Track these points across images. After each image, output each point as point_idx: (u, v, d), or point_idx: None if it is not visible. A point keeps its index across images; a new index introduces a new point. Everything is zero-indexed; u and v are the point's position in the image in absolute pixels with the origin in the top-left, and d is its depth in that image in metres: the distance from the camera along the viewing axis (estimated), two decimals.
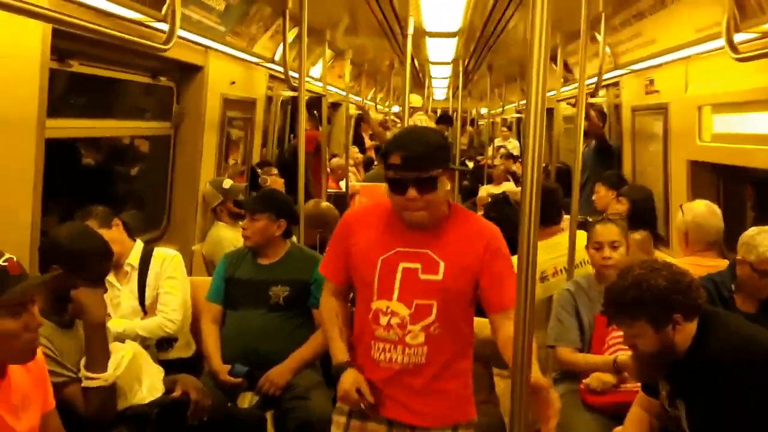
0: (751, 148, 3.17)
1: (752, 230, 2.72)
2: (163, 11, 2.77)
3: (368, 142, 10.15)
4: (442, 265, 2.02)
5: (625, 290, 2.06)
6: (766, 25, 2.59)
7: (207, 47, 3.96)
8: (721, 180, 3.73)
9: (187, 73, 4.02)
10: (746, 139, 3.25)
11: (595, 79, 4.16)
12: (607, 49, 4.46)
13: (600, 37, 3.88)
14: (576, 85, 3.39)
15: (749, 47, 2.50)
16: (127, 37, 2.53)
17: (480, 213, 6.92)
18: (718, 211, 3.23)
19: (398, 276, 2.03)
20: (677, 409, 2.11)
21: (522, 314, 1.70)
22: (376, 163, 9.01)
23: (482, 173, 9.04)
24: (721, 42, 2.51)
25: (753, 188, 3.71)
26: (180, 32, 3.21)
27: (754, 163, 3.20)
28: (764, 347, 2.01)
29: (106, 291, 2.23)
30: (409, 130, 2.13)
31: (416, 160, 1.96)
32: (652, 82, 4.30)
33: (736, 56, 2.43)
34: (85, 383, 2.12)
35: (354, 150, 8.82)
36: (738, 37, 2.62)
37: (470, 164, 11.32)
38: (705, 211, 3.22)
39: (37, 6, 2.00)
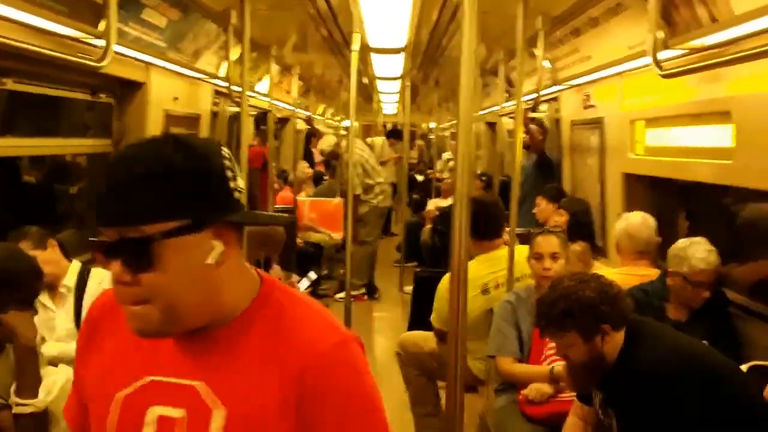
0: (681, 161, 3.30)
1: (683, 242, 2.83)
2: (101, 27, 2.74)
3: (318, 157, 10.15)
4: (220, 413, 1.07)
5: (555, 302, 2.12)
6: (693, 42, 2.71)
7: (148, 63, 3.92)
8: (655, 192, 3.86)
9: (128, 89, 3.96)
10: (676, 152, 3.38)
11: (534, 95, 4.26)
12: (547, 65, 4.59)
13: (539, 53, 3.98)
14: (517, 100, 3.47)
15: (675, 64, 2.60)
16: (62, 55, 2.49)
17: (428, 226, 7.04)
18: (651, 222, 3.33)
19: None
20: (610, 417, 2.17)
21: (455, 327, 1.74)
22: (326, 177, 9.03)
23: (431, 187, 9.14)
24: (648, 59, 2.61)
25: (685, 199, 3.85)
26: (119, 48, 3.19)
27: (684, 175, 3.33)
28: (690, 357, 2.09)
29: (36, 313, 2.17)
30: (120, 151, 1.10)
31: (111, 202, 1.05)
32: (588, 97, 4.44)
33: (662, 73, 2.54)
34: (15, 409, 2.06)
35: (303, 165, 8.81)
36: (667, 54, 2.73)
37: (420, 178, 11.45)
38: (638, 221, 3.33)
39: None
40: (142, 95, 4.00)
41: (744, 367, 2.43)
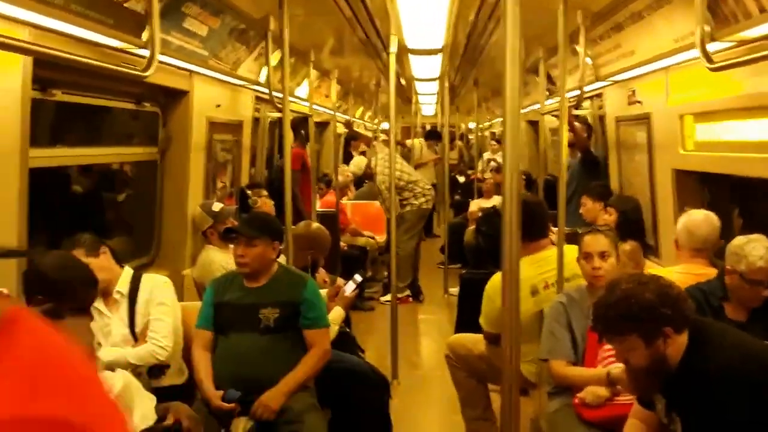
0: (733, 155, 3.20)
1: (740, 239, 2.73)
2: (144, 38, 2.78)
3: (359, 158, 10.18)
4: None
5: (613, 305, 2.06)
6: (742, 33, 2.62)
7: (191, 71, 3.98)
8: (707, 188, 3.75)
9: (172, 97, 4.03)
10: (729, 146, 3.28)
11: (577, 92, 4.19)
12: (589, 61, 4.50)
13: (580, 50, 3.91)
14: (560, 98, 3.42)
15: (723, 56, 2.52)
16: (107, 65, 2.54)
17: (472, 227, 6.98)
18: (714, 220, 3.20)
19: None
20: (674, 422, 2.10)
21: (509, 329, 1.70)
22: (366, 181, 9.05)
23: (472, 187, 9.07)
24: (696, 52, 2.53)
25: (739, 196, 3.73)
26: (162, 58, 3.24)
27: (737, 170, 3.23)
28: (757, 358, 2.01)
29: (92, 320, 2.21)
30: None
31: None
32: (634, 92, 4.34)
33: (711, 66, 2.46)
34: None
35: (344, 168, 8.85)
36: (715, 46, 2.65)
37: (461, 179, 11.37)
38: (699, 218, 3.22)
39: (15, 39, 2.01)
40: (185, 103, 4.07)
41: None
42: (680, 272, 3.15)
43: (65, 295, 2.11)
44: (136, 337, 2.92)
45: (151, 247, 4.07)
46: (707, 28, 2.53)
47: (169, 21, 3.22)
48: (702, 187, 3.75)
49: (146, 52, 2.65)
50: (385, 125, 11.38)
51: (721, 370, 1.97)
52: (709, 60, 2.48)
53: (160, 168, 4.08)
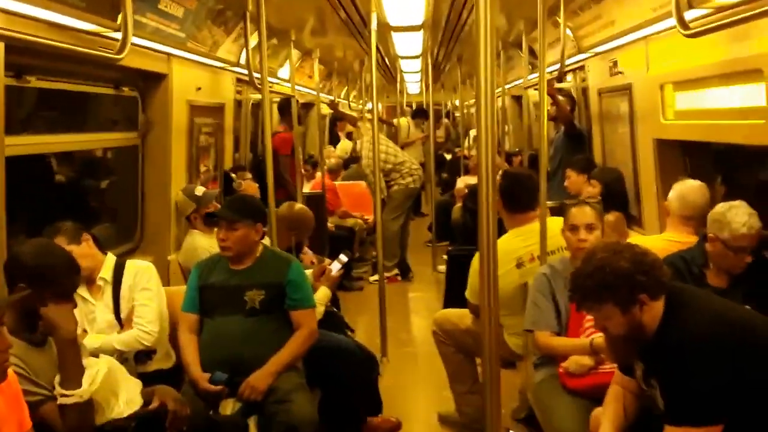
0: (713, 123, 3.21)
1: (722, 206, 2.73)
2: (118, 21, 2.75)
3: (344, 141, 10.14)
4: None
5: (590, 275, 2.08)
6: (718, 0, 2.61)
7: (169, 54, 3.93)
8: (689, 157, 3.76)
9: (151, 81, 3.99)
10: (708, 114, 3.28)
11: (559, 65, 4.18)
12: (570, 33, 4.49)
13: (561, 22, 3.89)
14: (542, 71, 3.41)
15: (699, 24, 2.51)
16: (80, 49, 2.51)
17: (459, 204, 6.99)
18: (706, 191, 3.21)
19: None
20: (653, 387, 2.13)
21: (487, 303, 1.71)
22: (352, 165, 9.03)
23: (459, 165, 9.07)
24: (672, 21, 2.53)
25: (721, 163, 3.75)
26: (138, 40, 3.21)
27: (717, 137, 3.24)
28: (734, 322, 2.03)
29: (75, 306, 2.20)
30: None
31: None
32: (615, 63, 4.33)
33: (686, 32, 2.45)
34: (60, 400, 2.10)
35: (330, 149, 8.81)
36: (692, 14, 2.64)
37: (448, 156, 11.37)
38: (694, 186, 3.21)
39: None
40: (165, 87, 4.03)
41: None
42: (666, 239, 3.16)
43: (46, 281, 2.11)
44: (122, 323, 2.91)
45: (134, 232, 4.05)
46: None
47: (143, 3, 3.18)
48: (684, 156, 3.75)
49: (120, 35, 2.62)
50: (370, 105, 11.32)
51: (696, 336, 1.98)
52: (685, 26, 2.47)
53: (141, 153, 4.05)
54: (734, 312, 2.12)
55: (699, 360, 1.94)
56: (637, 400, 2.30)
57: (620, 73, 4.28)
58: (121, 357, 2.79)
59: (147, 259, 3.39)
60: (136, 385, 2.44)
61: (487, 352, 1.75)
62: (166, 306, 3.08)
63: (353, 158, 8.53)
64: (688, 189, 3.22)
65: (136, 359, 2.92)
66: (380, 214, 5.15)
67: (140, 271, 2.99)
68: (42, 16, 2.52)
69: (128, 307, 2.92)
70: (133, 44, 2.66)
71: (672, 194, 3.26)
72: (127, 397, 2.32)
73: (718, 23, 2.37)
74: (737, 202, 2.72)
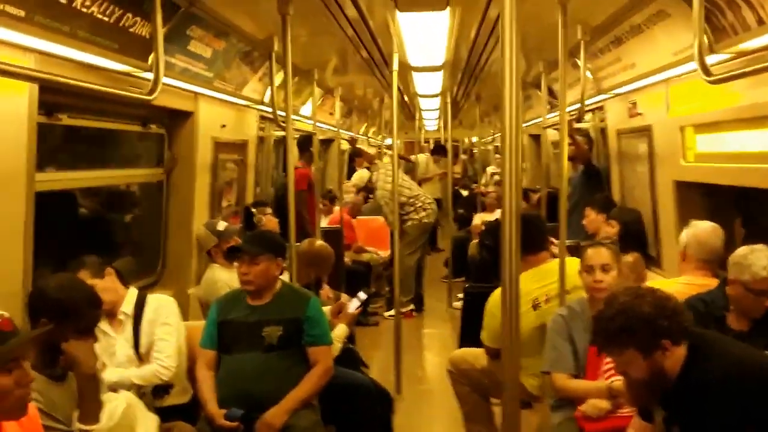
0: (734, 166, 3.21)
1: (743, 249, 2.72)
2: (149, 61, 2.83)
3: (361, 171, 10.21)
4: None
5: (611, 319, 2.07)
6: (741, 46, 2.63)
7: (195, 93, 4.03)
8: (710, 199, 3.75)
9: (177, 119, 4.08)
10: (729, 157, 3.28)
11: (578, 105, 4.21)
12: (589, 75, 4.53)
13: (581, 63, 3.94)
14: (561, 111, 3.44)
15: (721, 69, 2.54)
16: (112, 90, 2.58)
17: (475, 241, 6.99)
18: (720, 232, 3.23)
19: None
20: None
21: (509, 343, 1.71)
22: (371, 196, 9.08)
23: (476, 201, 9.08)
24: (695, 65, 2.55)
25: (741, 206, 3.73)
26: (167, 80, 3.29)
27: (737, 181, 3.24)
28: (756, 369, 2.01)
29: (96, 341, 2.23)
30: None
31: None
32: (635, 105, 4.36)
33: (709, 79, 2.47)
34: None
35: (349, 185, 8.88)
36: (714, 59, 2.67)
37: (465, 192, 11.39)
38: (708, 229, 3.23)
39: (20, 67, 2.05)
40: (191, 124, 4.12)
41: None
42: (684, 283, 3.15)
43: (69, 316, 2.14)
44: (141, 357, 2.93)
45: (156, 266, 4.09)
46: (705, 41, 2.55)
47: (173, 44, 3.27)
48: (704, 198, 3.75)
49: (151, 75, 2.70)
50: (389, 141, 11.43)
51: (719, 382, 1.97)
52: (707, 73, 2.49)
53: (165, 188, 4.12)
54: (757, 358, 2.10)
55: (722, 405, 1.93)
56: None
57: (639, 114, 4.31)
58: (139, 391, 2.80)
59: (167, 293, 3.42)
60: (153, 420, 2.44)
61: (508, 393, 1.74)
62: (185, 341, 3.10)
63: (367, 188, 8.58)
64: (704, 232, 3.22)
65: (154, 394, 2.93)
66: (398, 248, 5.17)
67: (161, 305, 3.02)
68: (74, 56, 2.61)
69: (148, 341, 2.94)
70: (164, 84, 2.74)
71: (686, 238, 3.26)
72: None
73: (741, 71, 2.39)
74: (759, 246, 2.71)
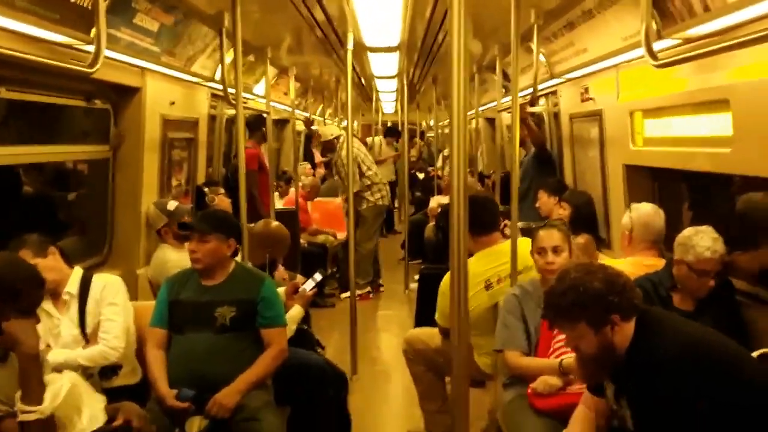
0: (680, 150, 3.29)
1: (689, 230, 2.81)
2: (92, 34, 2.73)
3: (318, 157, 10.13)
4: None
5: (563, 293, 2.10)
6: (688, 32, 2.68)
7: (143, 68, 3.91)
8: (658, 182, 3.84)
9: (124, 94, 3.96)
10: (676, 142, 3.36)
11: (531, 90, 4.25)
12: (543, 59, 4.57)
13: (534, 48, 3.96)
14: (515, 95, 3.46)
15: (668, 54, 2.58)
16: (52, 61, 2.49)
17: (431, 223, 7.03)
18: (662, 213, 3.34)
19: None
20: (623, 408, 2.15)
21: (457, 323, 1.72)
22: (327, 178, 9.03)
23: (432, 184, 9.12)
24: (642, 50, 2.59)
25: (689, 189, 3.83)
26: (111, 54, 3.19)
27: (684, 165, 3.32)
28: (702, 344, 2.06)
29: (38, 321, 2.16)
30: None
31: None
32: (586, 89, 4.42)
33: (655, 63, 2.52)
34: (21, 417, 2.06)
35: (305, 166, 8.81)
36: (662, 44, 2.71)
37: (421, 175, 11.43)
38: (651, 211, 3.33)
39: None
40: (138, 100, 4.00)
41: (754, 355, 2.41)
42: (632, 263, 3.22)
43: (9, 295, 2.07)
44: (87, 338, 2.86)
45: (103, 246, 3.99)
46: (653, 26, 2.59)
47: (118, 17, 3.17)
48: (652, 181, 3.83)
49: (93, 48, 2.61)
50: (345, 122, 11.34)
51: (666, 357, 2.01)
52: (654, 57, 2.54)
53: (112, 166, 4.01)
54: (702, 333, 2.14)
55: (668, 379, 1.97)
56: (604, 422, 2.32)
57: (591, 99, 4.37)
58: (86, 372, 2.74)
59: (115, 273, 3.35)
60: (100, 401, 2.40)
61: (457, 372, 1.76)
62: (133, 321, 3.04)
63: (328, 172, 8.52)
64: (647, 214, 3.31)
65: (101, 375, 2.87)
66: (353, 231, 5.16)
67: (107, 285, 2.95)
68: (14, 27, 2.50)
69: (94, 321, 2.87)
70: (106, 57, 2.65)
71: (630, 221, 3.34)
72: (91, 414, 2.28)
73: (687, 55, 2.44)
74: (703, 227, 2.79)
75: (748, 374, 2.02)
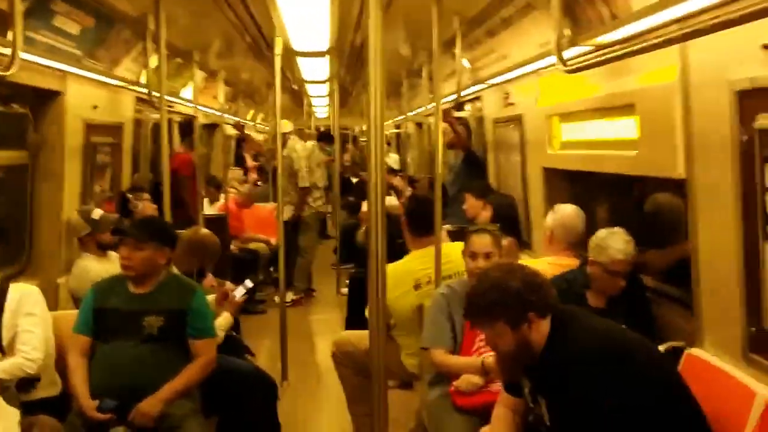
0: (592, 153, 3.44)
1: (602, 232, 2.93)
2: (8, 36, 2.65)
3: (250, 162, 10.04)
4: None
5: (483, 293, 2.16)
6: (598, 39, 2.81)
7: (64, 71, 3.81)
8: (575, 184, 4.00)
9: (44, 98, 3.84)
10: (588, 145, 3.51)
11: (455, 95, 4.35)
12: (466, 64, 4.68)
13: (457, 54, 4.06)
14: (441, 101, 3.54)
15: (577, 61, 2.70)
16: None
17: (363, 229, 7.07)
18: (582, 215, 3.46)
19: None
20: (539, 405, 2.21)
21: (375, 324, 1.77)
22: (259, 183, 8.95)
23: (365, 189, 9.16)
24: (554, 58, 2.71)
25: (603, 191, 3.99)
26: (29, 57, 3.10)
27: (595, 167, 3.47)
28: (611, 340, 2.14)
29: None
30: None
31: None
32: (508, 95, 4.56)
33: (565, 69, 2.64)
34: None
35: (236, 171, 8.71)
36: (574, 51, 2.83)
37: (354, 180, 11.47)
38: (572, 213, 3.46)
39: None
40: (59, 104, 3.89)
41: (661, 348, 2.55)
42: (549, 263, 3.35)
43: None
44: (4, 350, 2.76)
45: (21, 255, 3.86)
46: (565, 34, 2.71)
47: (36, 19, 3.08)
48: (569, 183, 3.98)
49: (8, 51, 2.54)
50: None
51: (580, 353, 2.08)
52: (564, 64, 2.66)
53: (31, 172, 3.88)
54: (615, 331, 2.22)
55: (582, 376, 2.03)
56: (521, 421, 2.39)
57: (512, 104, 4.51)
58: (1, 385, 2.64)
59: (34, 283, 3.24)
60: (14, 414, 2.33)
61: (376, 369, 1.80)
62: (52, 332, 2.96)
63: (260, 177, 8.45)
64: (568, 216, 3.43)
65: (19, 387, 2.77)
66: (288, 236, 5.14)
67: (24, 295, 2.87)
68: None
69: (10, 333, 2.78)
70: (24, 60, 2.58)
71: (552, 222, 3.46)
72: (4, 428, 2.21)
73: (593, 60, 2.57)
74: (616, 229, 2.92)
75: (655, 367, 2.10)
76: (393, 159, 11.14)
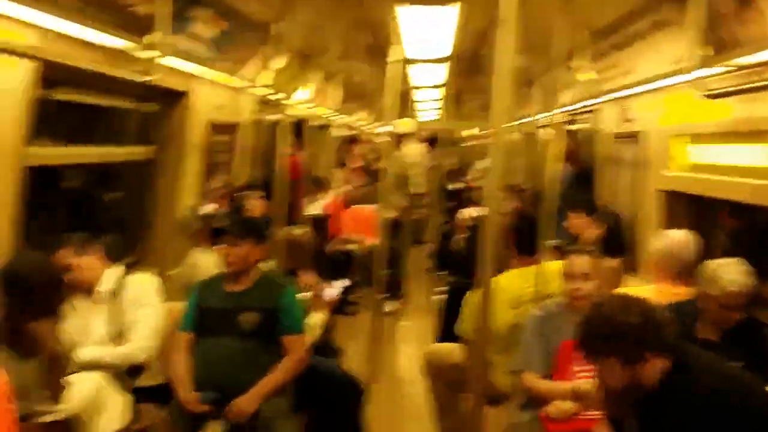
0: (720, 179, 3.22)
1: (713, 263, 2.69)
2: (146, 40, 2.82)
3: (354, 164, 10.14)
4: None
5: (598, 327, 2.07)
6: (736, 60, 2.63)
7: (191, 73, 4.01)
8: (696, 208, 3.76)
9: (171, 98, 4.05)
10: (716, 170, 3.28)
11: (572, 107, 4.22)
12: (588, 77, 4.53)
13: (578, 66, 3.94)
14: (555, 111, 3.45)
15: (716, 82, 2.52)
16: (109, 67, 2.57)
17: (461, 235, 6.98)
18: (693, 243, 3.15)
19: None
20: None
21: (480, 341, 1.73)
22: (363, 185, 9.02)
23: (465, 195, 9.06)
24: (691, 76, 2.55)
25: (730, 218, 3.72)
26: (163, 59, 3.29)
27: (723, 194, 3.24)
28: (735, 384, 2.02)
29: (58, 322, 2.18)
30: None
31: None
32: (628, 110, 4.37)
33: (705, 93, 2.46)
34: (41, 418, 2.09)
35: (341, 172, 8.83)
36: (709, 71, 2.66)
37: (459, 186, 11.35)
38: (683, 240, 3.17)
39: (22, 45, 2.03)
40: (184, 104, 4.10)
41: None
42: (657, 290, 3.14)
43: (34, 297, 2.10)
44: (118, 336, 2.87)
45: (137, 246, 4.07)
46: (702, 54, 2.54)
47: (173, 24, 3.25)
48: (686, 207, 3.75)
49: (148, 54, 2.68)
50: (385, 128, 11.36)
51: (701, 396, 1.97)
52: (704, 87, 2.47)
53: (154, 167, 4.10)
54: (734, 373, 2.11)
55: (703, 419, 1.93)
56: None
57: (631, 120, 4.32)
58: (114, 371, 2.76)
59: (148, 273, 3.39)
60: (124, 401, 2.41)
61: (475, 392, 1.77)
62: (163, 322, 3.06)
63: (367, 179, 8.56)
64: (678, 245, 3.15)
65: (129, 374, 2.88)
66: (384, 239, 5.15)
67: (143, 284, 2.99)
68: (74, 32, 2.58)
69: (126, 320, 2.88)
70: (163, 65, 2.72)
71: (661, 250, 3.21)
72: (113, 415, 2.30)
73: (736, 87, 2.38)
74: (731, 259, 2.69)
75: None
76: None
